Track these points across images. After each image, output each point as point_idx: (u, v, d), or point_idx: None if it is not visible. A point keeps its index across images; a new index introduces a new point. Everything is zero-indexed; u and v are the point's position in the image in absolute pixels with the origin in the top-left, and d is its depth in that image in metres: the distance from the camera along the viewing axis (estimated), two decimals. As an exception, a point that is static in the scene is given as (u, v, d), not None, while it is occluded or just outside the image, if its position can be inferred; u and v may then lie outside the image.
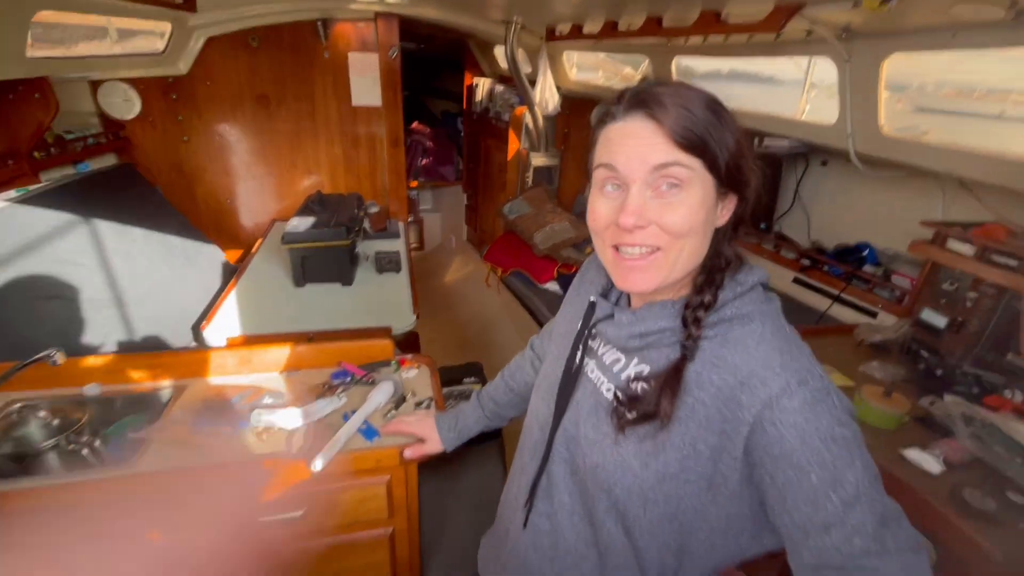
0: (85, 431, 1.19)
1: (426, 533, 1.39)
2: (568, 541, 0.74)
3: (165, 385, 1.32)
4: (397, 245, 2.77)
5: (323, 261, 2.30)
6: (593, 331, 0.76)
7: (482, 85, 3.86)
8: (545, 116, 3.19)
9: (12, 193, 1.91)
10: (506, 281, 3.14)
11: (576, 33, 2.33)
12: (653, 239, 0.62)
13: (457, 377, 2.14)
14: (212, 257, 2.67)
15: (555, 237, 2.94)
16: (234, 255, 2.96)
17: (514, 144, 3.38)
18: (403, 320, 2.04)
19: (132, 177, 2.59)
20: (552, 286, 2.89)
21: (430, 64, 4.78)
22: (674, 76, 2.34)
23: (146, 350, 1.95)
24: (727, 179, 0.62)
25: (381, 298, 2.25)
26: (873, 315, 1.79)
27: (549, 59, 3.04)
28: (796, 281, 2.10)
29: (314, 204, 2.53)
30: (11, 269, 1.67)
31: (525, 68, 3.07)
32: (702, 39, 1.92)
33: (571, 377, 0.76)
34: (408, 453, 1.12)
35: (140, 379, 1.32)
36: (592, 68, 3.28)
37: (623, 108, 0.62)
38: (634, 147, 0.60)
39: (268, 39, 2.75)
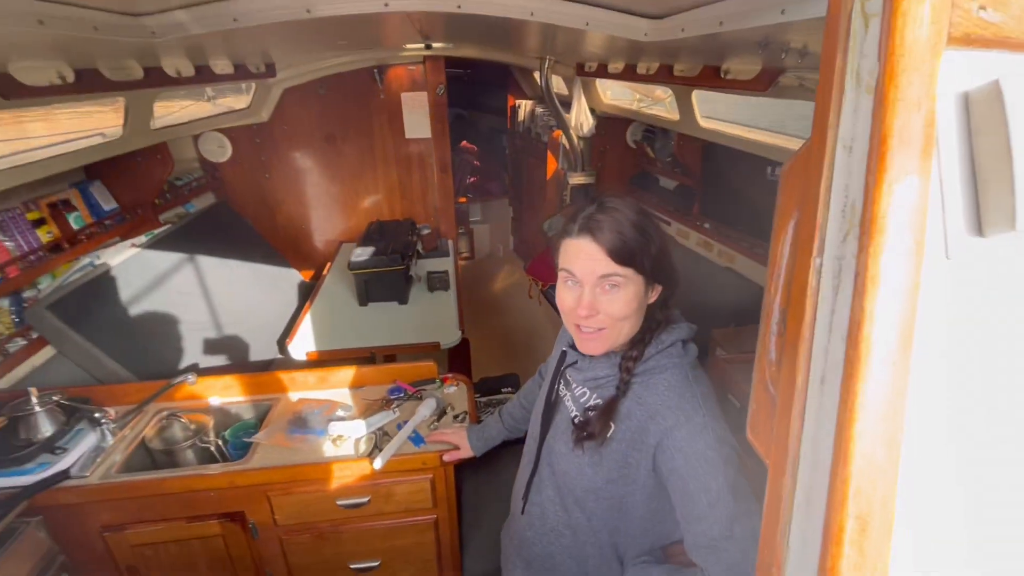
0: (211, 433, 1.60)
1: (467, 520, 1.69)
2: (551, 522, 1.02)
3: (264, 398, 1.70)
4: (446, 264, 3.10)
5: (382, 283, 2.66)
6: (565, 373, 1.03)
7: (524, 106, 4.11)
8: (580, 137, 3.40)
9: (142, 238, 2.41)
10: (546, 294, 3.40)
11: (602, 71, 2.53)
12: (600, 322, 0.88)
13: (495, 387, 2.43)
14: (291, 278, 3.13)
15: (589, 253, 3.15)
16: (308, 274, 3.42)
17: (552, 164, 3.62)
18: (450, 336, 2.36)
19: (226, 213, 3.08)
20: (587, 299, 3.11)
21: (477, 84, 5.09)
22: (695, 106, 2.49)
23: (243, 363, 2.40)
24: (653, 275, 0.88)
25: (432, 315, 2.58)
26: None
27: (583, 84, 3.25)
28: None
29: (374, 232, 2.91)
30: (148, 302, 2.14)
31: (561, 91, 3.30)
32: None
33: (551, 405, 1.04)
34: (446, 457, 1.43)
35: (246, 393, 1.71)
36: (625, 89, 3.44)
37: (576, 229, 0.88)
38: (585, 261, 0.86)
39: (333, 86, 3.15)
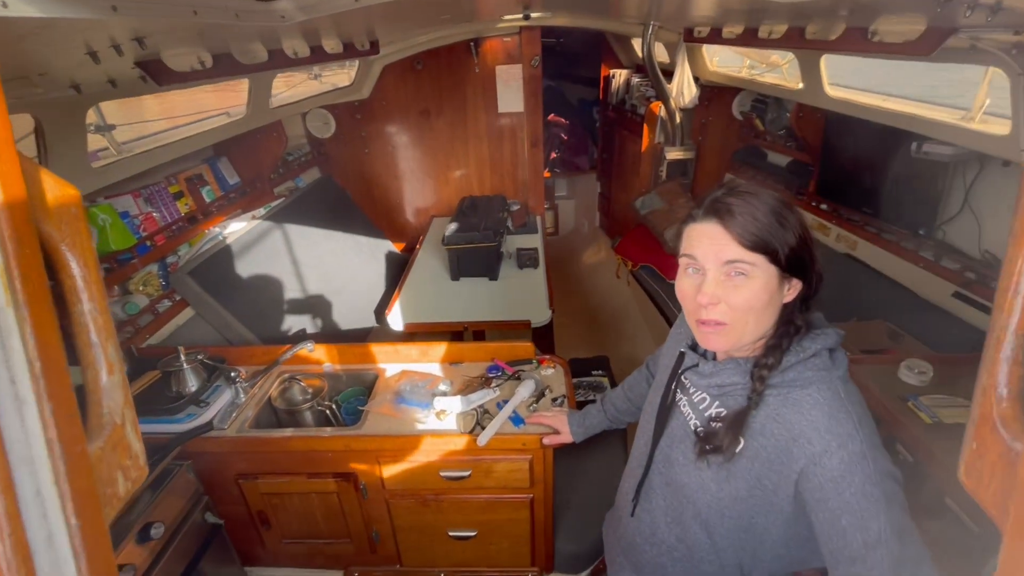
0: (327, 397, 1.72)
1: (557, 500, 1.71)
2: (663, 533, 0.96)
3: (371, 368, 1.80)
4: (535, 240, 3.09)
5: (474, 259, 2.70)
6: (682, 376, 0.95)
7: (619, 76, 3.92)
8: (681, 108, 3.18)
9: (261, 211, 2.60)
10: (636, 275, 3.29)
11: (715, 36, 2.33)
12: (722, 315, 0.78)
13: (585, 369, 2.41)
14: (386, 249, 3.26)
15: (686, 234, 2.99)
16: (400, 246, 3.56)
17: (648, 138, 3.43)
18: (540, 315, 2.36)
19: (331, 186, 3.25)
20: (681, 282, 2.97)
21: (568, 53, 4.91)
22: (823, 73, 2.23)
23: (346, 328, 2.56)
24: (788, 268, 0.78)
25: (521, 292, 2.59)
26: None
27: (687, 51, 3.02)
28: (957, 296, 1.95)
29: (467, 208, 2.94)
30: (265, 270, 2.32)
31: (662, 60, 3.09)
32: (854, 42, 1.83)
33: (666, 409, 0.96)
34: (546, 440, 1.43)
35: (355, 362, 1.81)
36: (735, 55, 3.15)
37: (701, 213, 0.80)
38: (709, 245, 0.78)
39: (429, 61, 3.17)
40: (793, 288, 0.81)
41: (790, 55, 2.71)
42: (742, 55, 3.09)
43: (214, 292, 2.05)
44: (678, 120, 3.19)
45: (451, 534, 1.63)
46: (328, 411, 1.71)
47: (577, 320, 3.80)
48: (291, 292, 2.43)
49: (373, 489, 1.56)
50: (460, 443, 1.46)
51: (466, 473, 1.51)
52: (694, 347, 0.96)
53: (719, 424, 0.85)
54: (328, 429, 1.55)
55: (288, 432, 1.52)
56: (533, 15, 2.82)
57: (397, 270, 3.16)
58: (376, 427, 1.51)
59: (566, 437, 1.40)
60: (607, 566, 1.18)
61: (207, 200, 2.41)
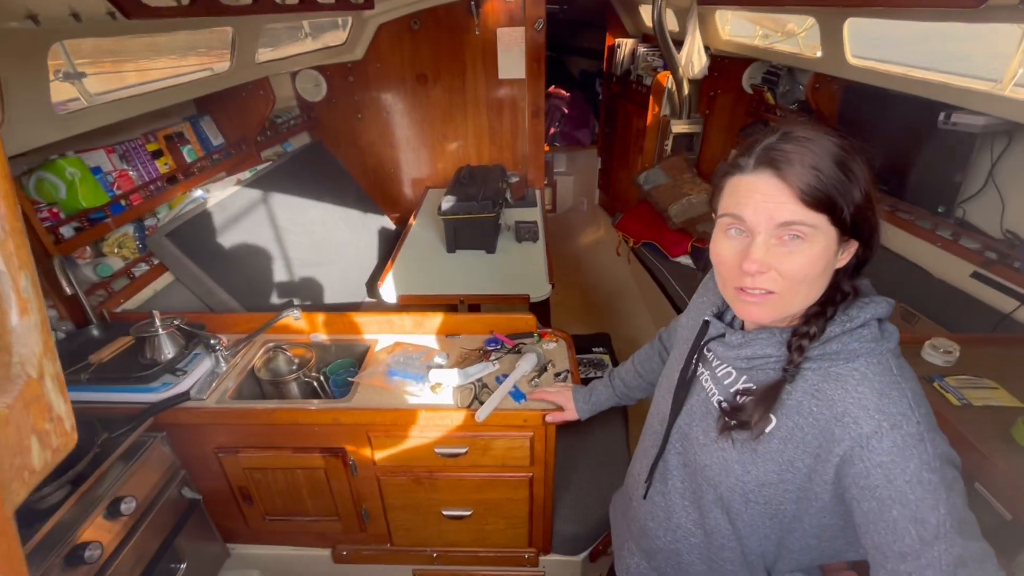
0: (313, 368, 1.61)
1: (557, 479, 1.64)
2: (679, 517, 0.87)
3: (362, 339, 1.69)
4: (534, 214, 2.97)
5: (472, 231, 2.58)
6: (703, 348, 0.85)
7: (624, 46, 3.76)
8: (690, 80, 3.05)
9: (246, 174, 2.46)
10: (637, 252, 3.19)
11: (733, -3, 2.19)
12: (771, 283, 0.67)
13: (586, 346, 2.32)
14: (380, 221, 3.13)
15: (691, 211, 2.89)
16: (394, 218, 3.42)
17: (654, 111, 3.30)
18: (539, 289, 2.26)
19: (321, 153, 3.10)
20: (684, 260, 2.88)
21: (571, 23, 4.73)
22: (845, 40, 2.11)
23: (335, 300, 2.45)
24: (851, 230, 0.67)
25: (520, 266, 2.48)
26: (1072, 324, 1.57)
27: (699, 17, 2.88)
28: (976, 276, 1.87)
29: (464, 177, 2.81)
30: (250, 236, 2.19)
31: (672, 29, 2.95)
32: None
33: (685, 383, 0.86)
34: (549, 418, 1.34)
35: (345, 332, 1.70)
36: (747, 24, 3.01)
37: (752, 163, 0.67)
38: (761, 202, 0.65)
39: (427, 21, 3.00)
40: (849, 250, 0.70)
41: (808, 22, 2.59)
42: (756, 23, 2.95)
43: (195, 256, 1.92)
44: (686, 91, 3.06)
45: (445, 513, 1.55)
46: (316, 383, 1.61)
47: (575, 298, 3.71)
48: (278, 261, 2.30)
49: (363, 465, 1.47)
50: (457, 418, 1.37)
51: (463, 450, 1.42)
52: (719, 316, 0.86)
53: (747, 398, 0.75)
54: (316, 401, 1.45)
55: (272, 404, 1.42)
56: (539, -28, 2.65)
57: (390, 242, 3.03)
58: (367, 400, 1.41)
59: (571, 414, 1.31)
60: (615, 552, 1.10)
61: (188, 160, 2.26)
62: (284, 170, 2.65)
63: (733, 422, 0.74)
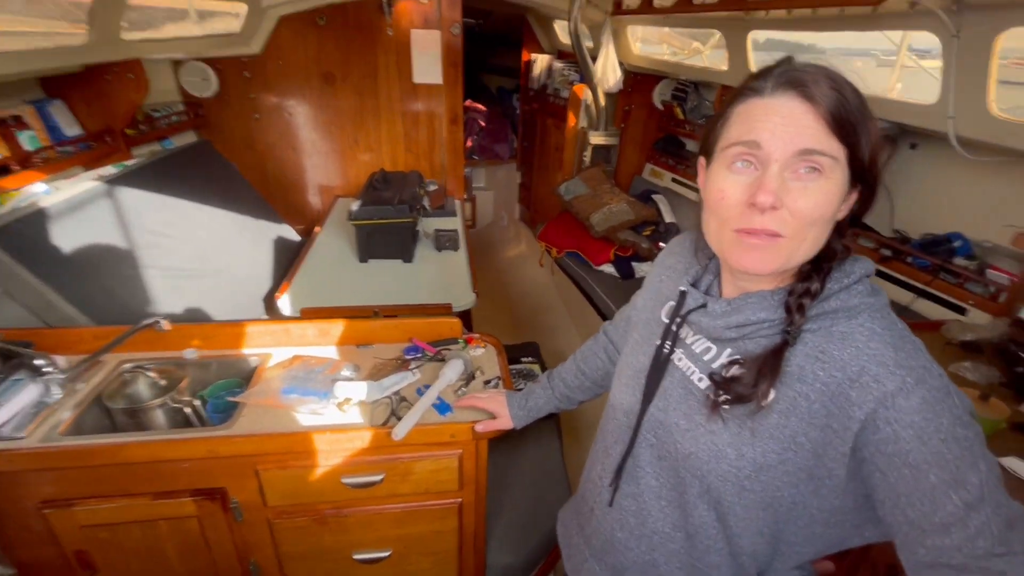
0: (186, 392, 1.31)
1: (488, 504, 1.45)
2: (655, 522, 0.75)
3: (253, 352, 1.41)
4: (455, 223, 2.81)
5: (386, 238, 2.37)
6: (683, 320, 0.75)
7: (540, 61, 3.79)
8: (606, 93, 3.11)
9: (110, 169, 2.07)
10: (560, 262, 3.14)
11: (646, 7, 2.24)
12: (780, 224, 0.59)
13: (515, 356, 2.18)
14: (281, 231, 2.80)
15: (612, 219, 2.89)
16: (299, 229, 3.10)
17: (571, 124, 3.32)
18: (463, 298, 2.09)
19: (210, 154, 2.73)
20: (608, 268, 2.86)
21: (487, 40, 4.74)
22: (748, 52, 2.22)
23: (225, 318, 2.10)
24: (863, 172, 0.60)
25: (441, 275, 2.30)
26: (961, 311, 1.68)
27: (612, 34, 2.95)
28: (875, 273, 1.99)
29: (378, 181, 2.60)
30: (113, 240, 1.82)
31: (586, 43, 2.99)
32: (786, 12, 1.80)
33: (659, 365, 0.75)
34: (480, 427, 1.16)
35: (231, 345, 1.41)
36: (657, 43, 3.15)
37: (771, 85, 0.59)
38: (782, 126, 0.57)
39: (334, 17, 2.79)
40: (849, 202, 0.63)
41: (713, 40, 2.73)
42: (664, 42, 3.09)
43: (29, 262, 1.53)
44: (603, 103, 3.11)
45: (357, 557, 1.30)
46: (188, 408, 1.30)
47: (499, 314, 3.57)
48: (148, 270, 1.92)
49: (249, 508, 1.19)
50: (370, 439, 1.15)
51: (377, 477, 1.19)
52: (696, 284, 0.76)
53: (740, 367, 0.65)
54: (187, 431, 1.15)
55: (124, 438, 1.10)
56: (454, -27, 2.57)
57: (293, 253, 2.71)
58: (253, 425, 1.14)
59: (505, 422, 1.14)
60: (567, 571, 0.94)
61: (28, 148, 1.85)
62: (161, 168, 2.27)
63: (726, 396, 0.64)
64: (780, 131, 0.57)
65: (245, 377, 1.40)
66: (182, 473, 1.13)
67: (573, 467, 1.84)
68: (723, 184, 0.62)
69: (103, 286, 1.71)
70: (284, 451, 1.13)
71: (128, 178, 2.03)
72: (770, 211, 0.58)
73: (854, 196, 0.62)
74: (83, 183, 1.87)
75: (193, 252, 2.13)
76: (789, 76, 0.58)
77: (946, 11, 1.33)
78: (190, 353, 1.37)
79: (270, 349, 1.42)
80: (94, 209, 1.80)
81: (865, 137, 0.58)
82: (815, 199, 0.58)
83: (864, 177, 0.60)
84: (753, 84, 0.61)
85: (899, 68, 1.77)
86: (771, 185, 0.58)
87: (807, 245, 0.60)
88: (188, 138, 2.81)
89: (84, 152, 2.05)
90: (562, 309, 3.33)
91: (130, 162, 2.18)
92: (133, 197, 1.99)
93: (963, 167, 1.71)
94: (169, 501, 1.14)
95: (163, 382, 1.29)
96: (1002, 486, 0.54)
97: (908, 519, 0.55)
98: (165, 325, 1.24)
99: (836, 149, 0.57)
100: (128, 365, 1.32)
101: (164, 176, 2.24)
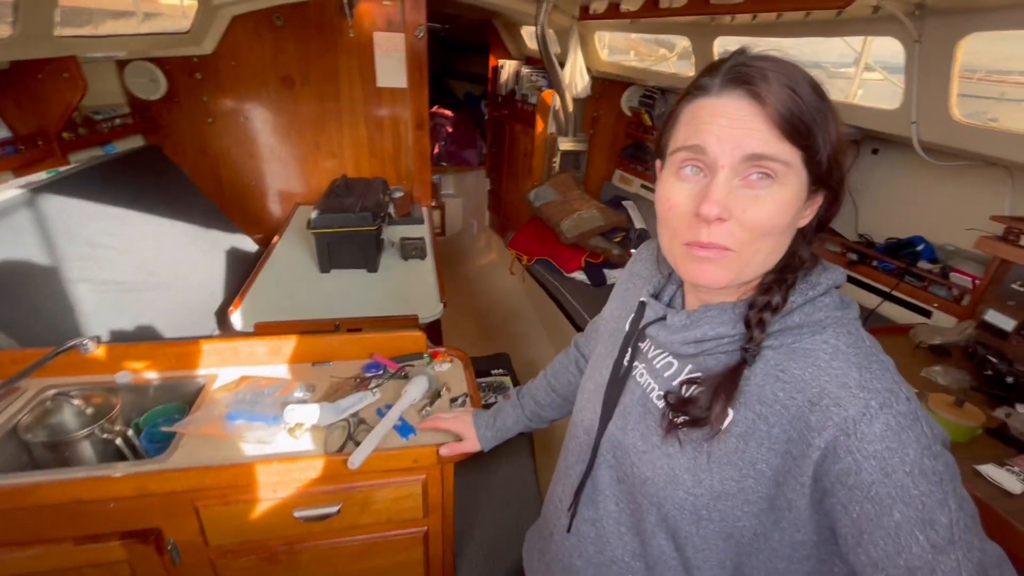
0: (118, 420, 1.18)
1: (457, 525, 1.36)
2: (614, 550, 0.70)
3: (196, 374, 1.29)
4: (422, 231, 2.72)
5: (349, 247, 2.27)
6: (643, 333, 0.70)
7: (507, 67, 3.75)
8: (574, 99, 3.08)
9: (43, 175, 1.90)
10: (531, 270, 3.08)
11: (613, 12, 2.22)
12: (728, 237, 0.54)
13: (485, 369, 2.10)
14: (237, 241, 2.65)
15: (583, 225, 2.85)
16: (256, 238, 2.95)
17: (541, 128, 3.29)
18: (430, 308, 2.00)
19: (158, 159, 2.57)
20: (579, 275, 2.82)
21: (453, 45, 4.68)
22: (715, 59, 2.22)
23: (174, 335, 1.95)
24: (824, 176, 0.55)
25: (407, 285, 2.21)
26: (927, 314, 1.69)
27: (580, 40, 2.93)
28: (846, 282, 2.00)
29: (339, 188, 2.49)
30: (42, 252, 1.66)
31: (554, 48, 2.96)
32: (751, 18, 1.80)
33: (618, 380, 0.70)
34: (444, 451, 1.08)
35: (171, 367, 1.29)
36: (624, 50, 3.15)
37: (719, 82, 0.54)
38: (728, 128, 0.52)
39: (293, 17, 2.68)
40: (813, 206, 0.58)
41: (679, 47, 2.74)
42: (631, 49, 3.09)
43: (-62, 277, 1.37)
44: (571, 109, 3.08)
45: (313, 597, 1.19)
46: (120, 439, 1.17)
47: (469, 323, 3.49)
48: (85, 285, 1.76)
49: (189, 549, 1.07)
50: (324, 468, 1.05)
51: (333, 509, 1.09)
52: (656, 296, 0.71)
53: (697, 387, 0.60)
54: (119, 465, 1.03)
55: (38, 477, 0.97)
56: (417, -26, 2.50)
57: (250, 264, 2.57)
58: (192, 457, 1.03)
59: (472, 444, 1.06)
60: None
61: (-57, 152, 1.68)
62: (101, 174, 2.11)
63: (683, 418, 0.59)
64: (726, 135, 0.52)
65: (188, 401, 1.27)
66: (110, 513, 1.01)
67: (547, 485, 1.77)
68: (671, 192, 0.57)
69: (29, 304, 1.55)
70: (227, 484, 1.02)
71: (61, 184, 1.87)
72: (717, 223, 0.54)
73: (818, 200, 0.58)
74: (8, 191, 1.70)
75: (136, 264, 1.97)
76: (738, 73, 0.53)
77: (909, 16, 1.34)
78: (123, 376, 1.24)
79: (216, 369, 1.31)
80: (18, 219, 1.64)
81: (823, 138, 0.53)
82: (767, 209, 0.53)
83: (826, 181, 0.56)
84: (701, 81, 0.56)
85: (860, 75, 1.79)
86: (716, 195, 0.53)
87: (761, 257, 0.56)
88: (134, 143, 2.63)
89: (12, 156, 1.89)
90: (534, 318, 3.27)
91: (66, 168, 2.01)
92: (67, 205, 1.83)
93: (925, 171, 1.74)
94: (95, 546, 1.02)
95: (91, 410, 1.16)
96: (977, 525, 0.49)
97: (871, 559, 0.49)
98: (91, 346, 1.11)
99: (789, 153, 0.52)
100: (51, 392, 1.18)
101: (105, 182, 2.08)
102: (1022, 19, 1.19)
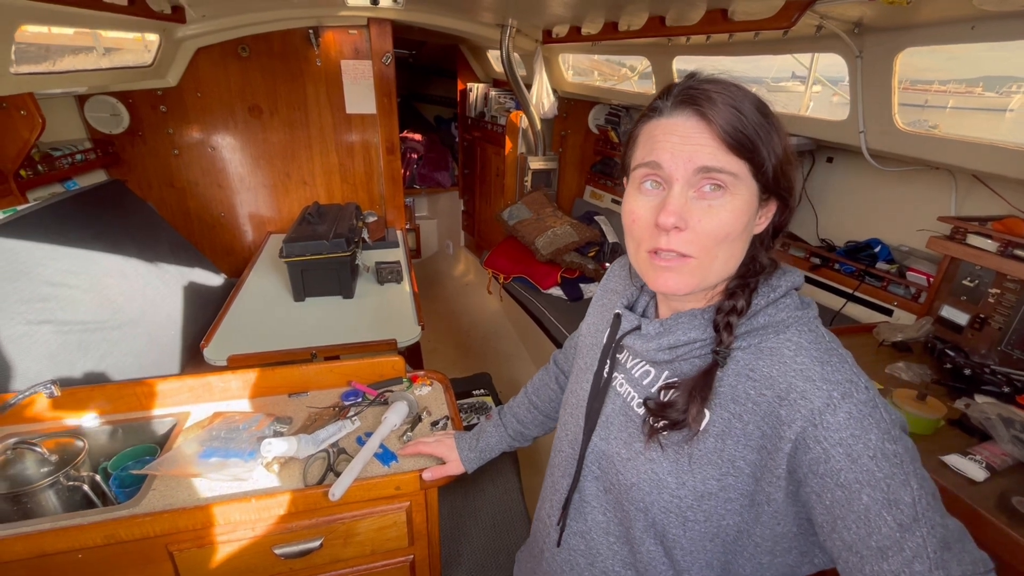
0: (85, 465, 1.13)
1: (444, 552, 1.34)
2: (604, 560, 0.71)
3: (167, 413, 1.26)
4: (397, 254, 2.72)
5: (323, 274, 2.25)
6: (620, 344, 0.73)
7: (476, 90, 3.82)
8: (542, 119, 3.15)
9: (0, 215, 1.84)
10: (508, 288, 3.10)
11: (574, 35, 2.29)
12: (686, 245, 0.58)
13: (466, 390, 2.09)
14: (207, 273, 2.60)
15: (557, 242, 2.89)
16: (230, 270, 2.90)
17: (511, 148, 3.34)
18: (408, 332, 1.99)
19: (122, 193, 2.51)
20: (556, 291, 2.84)
21: (421, 70, 4.74)
22: (675, 77, 2.31)
23: (143, 373, 1.89)
24: (772, 185, 0.60)
25: (384, 310, 2.20)
26: (888, 313, 1.77)
27: (544, 62, 3.01)
28: (807, 280, 2.07)
29: (312, 215, 2.47)
30: (6, 294, 1.60)
31: (520, 71, 3.04)
32: (705, 38, 1.89)
33: (599, 392, 0.73)
34: (427, 475, 1.07)
35: (140, 407, 1.25)
36: (588, 71, 3.25)
37: (671, 104, 0.59)
38: (679, 145, 0.57)
39: (258, 48, 2.69)
40: (767, 213, 0.63)
41: (640, 68, 2.84)
42: (594, 69, 3.18)
43: None
44: (540, 128, 3.15)
45: (297, 638, 1.15)
46: (87, 486, 1.12)
47: (448, 345, 3.47)
48: (46, 327, 1.70)
49: (165, 596, 1.03)
50: (304, 502, 1.02)
51: (315, 544, 1.06)
52: (630, 308, 0.74)
53: (674, 392, 0.63)
54: (86, 514, 0.99)
55: (1, 531, 0.92)
56: (382, 3, 2.54)
57: (222, 298, 2.52)
58: (165, 499, 1.00)
59: (455, 467, 1.06)
60: None
61: None
62: (61, 212, 2.05)
63: (663, 422, 0.62)
64: (678, 150, 0.57)
65: (159, 442, 1.24)
66: (78, 565, 0.96)
67: (534, 503, 1.76)
68: (634, 206, 0.62)
69: (-14, 349, 1.49)
70: (202, 526, 0.99)
71: (20, 224, 1.82)
72: (675, 232, 0.58)
73: (771, 208, 0.63)
74: (-39, 232, 1.65)
75: (100, 302, 1.91)
76: (687, 95, 0.58)
77: (848, 34, 1.42)
78: (89, 420, 1.20)
79: (188, 407, 1.27)
80: (-26, 261, 1.59)
81: (767, 150, 0.57)
82: (720, 217, 0.57)
83: (775, 190, 0.60)
84: (656, 104, 0.61)
85: (809, 91, 1.89)
86: (673, 205, 0.57)
87: (719, 264, 0.60)
88: (97, 178, 2.58)
89: (-35, 197, 1.82)
90: (513, 336, 3.27)
91: (24, 207, 1.95)
92: (23, 246, 1.78)
93: (876, 177, 1.83)
94: (61, 601, 0.97)
95: (55, 457, 1.11)
96: (938, 503, 0.53)
97: (846, 543, 0.53)
98: (55, 390, 1.07)
99: (735, 165, 0.57)
100: (11, 440, 1.13)
101: (65, 220, 2.02)
102: (951, 34, 1.28)
